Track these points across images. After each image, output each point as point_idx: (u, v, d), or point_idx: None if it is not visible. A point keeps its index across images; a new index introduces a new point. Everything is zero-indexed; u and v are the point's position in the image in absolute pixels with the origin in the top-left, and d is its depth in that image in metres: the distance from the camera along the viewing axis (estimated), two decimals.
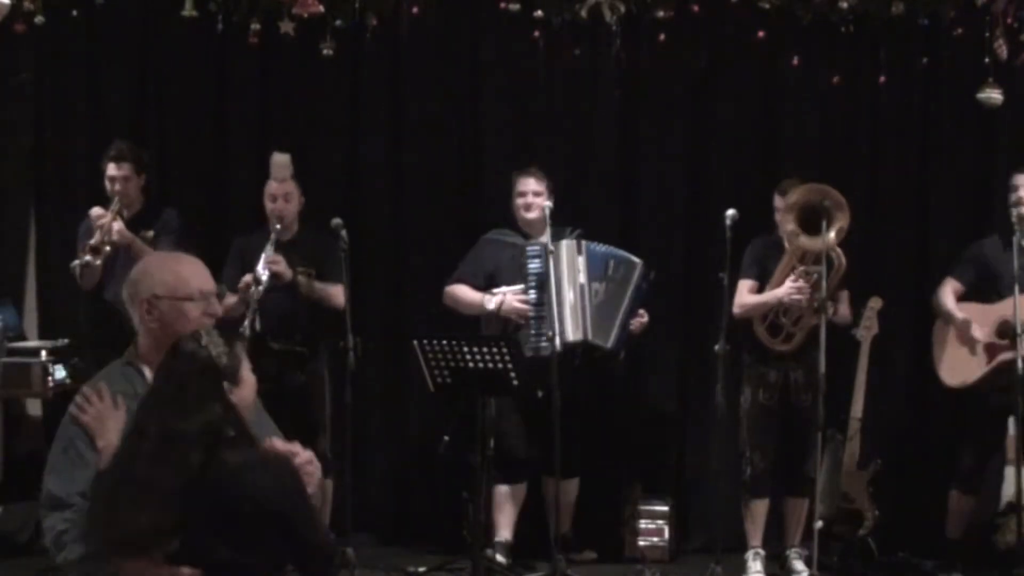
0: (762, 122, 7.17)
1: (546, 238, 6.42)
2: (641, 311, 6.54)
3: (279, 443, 3.36)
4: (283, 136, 7.09)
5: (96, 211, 6.41)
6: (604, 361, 6.56)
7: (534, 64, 7.10)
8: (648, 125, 7.21)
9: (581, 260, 6.46)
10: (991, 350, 6.28)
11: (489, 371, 5.91)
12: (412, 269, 7.23)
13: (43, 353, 6.71)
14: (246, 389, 3.17)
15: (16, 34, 6.84)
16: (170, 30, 7.10)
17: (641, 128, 7.22)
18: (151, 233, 6.52)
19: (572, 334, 6.37)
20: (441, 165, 7.27)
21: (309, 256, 6.49)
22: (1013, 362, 6.08)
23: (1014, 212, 6.24)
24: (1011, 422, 6.17)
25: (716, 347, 6.18)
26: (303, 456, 3.32)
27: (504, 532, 6.52)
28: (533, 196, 6.52)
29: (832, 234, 6.08)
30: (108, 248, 6.33)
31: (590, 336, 6.39)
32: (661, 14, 6.75)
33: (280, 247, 6.39)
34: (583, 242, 6.50)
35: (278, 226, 6.44)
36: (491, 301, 6.44)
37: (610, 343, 6.43)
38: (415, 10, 6.97)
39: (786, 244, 6.28)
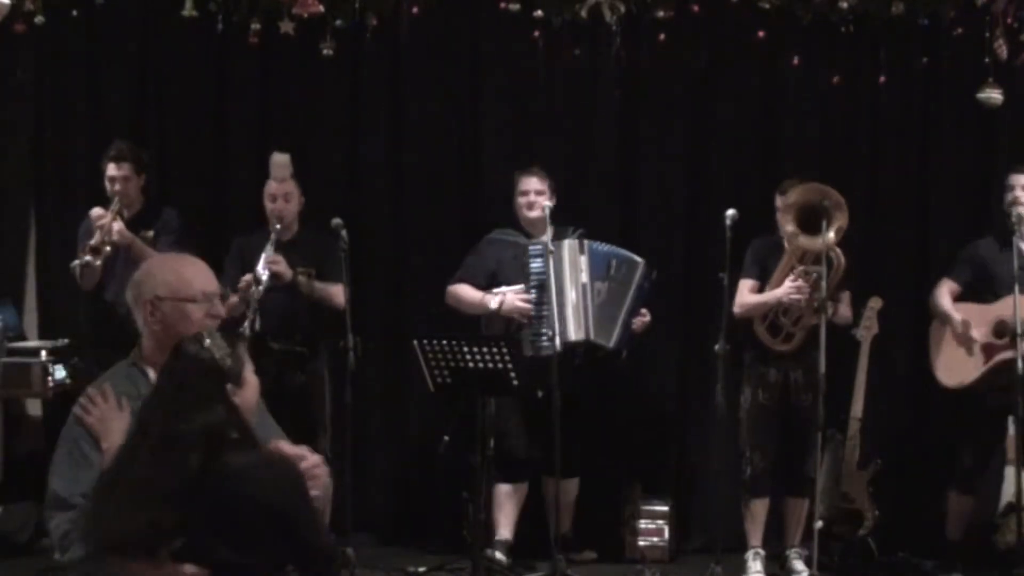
0: (762, 122, 7.17)
1: (547, 238, 6.42)
2: (643, 310, 6.54)
3: (287, 447, 3.36)
4: (283, 136, 7.10)
5: (96, 211, 6.41)
6: (606, 361, 6.56)
7: (534, 64, 7.10)
8: (648, 125, 7.21)
9: (583, 259, 6.46)
10: (988, 350, 6.28)
11: (489, 371, 5.92)
12: (412, 269, 7.23)
13: (43, 353, 6.71)
14: (249, 391, 3.17)
15: (16, 34, 6.84)
16: (170, 30, 7.10)
17: (641, 128, 7.22)
18: (151, 233, 6.52)
19: (574, 333, 6.37)
20: (441, 165, 7.27)
21: (309, 256, 6.49)
22: (1011, 362, 6.10)
23: (1015, 211, 6.25)
24: (1010, 422, 6.17)
25: (716, 347, 6.18)
26: (311, 460, 3.32)
27: (504, 531, 6.52)
28: (535, 195, 6.53)
29: (831, 234, 6.08)
30: (108, 248, 6.33)
31: (592, 336, 6.40)
32: (661, 14, 6.75)
33: (280, 247, 6.39)
34: (585, 241, 6.51)
35: (278, 226, 6.44)
36: (493, 300, 6.44)
37: (612, 342, 6.44)
38: (415, 10, 6.97)
39: (786, 244, 6.29)
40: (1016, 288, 6.00)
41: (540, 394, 6.15)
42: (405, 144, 7.27)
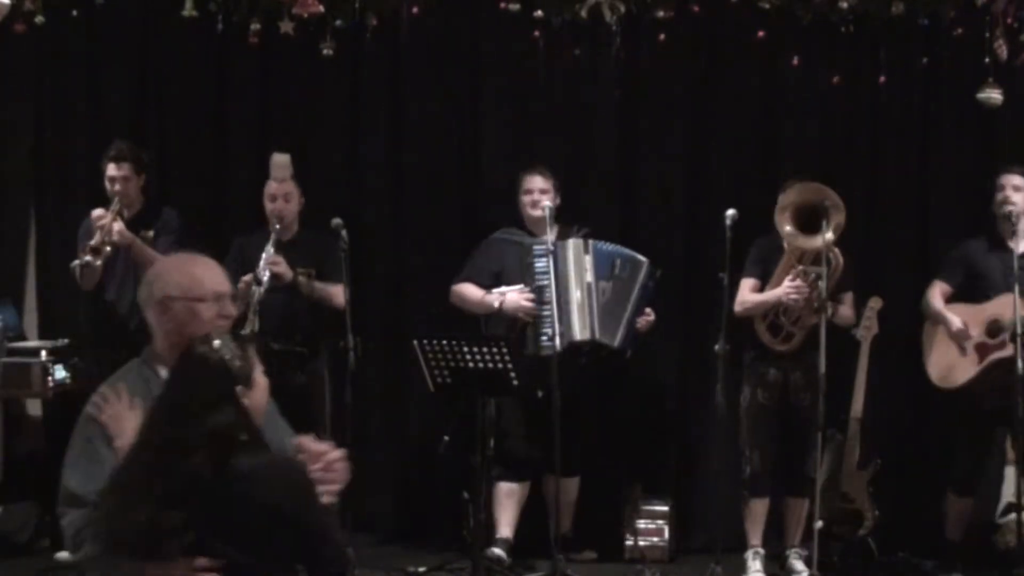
0: (762, 122, 7.17)
1: (550, 237, 6.42)
2: (648, 310, 6.54)
3: (310, 442, 3.36)
4: (283, 136, 7.10)
5: (97, 212, 6.41)
6: (611, 360, 6.56)
7: (534, 64, 7.10)
8: (648, 125, 7.21)
9: (588, 259, 6.47)
10: (982, 350, 6.29)
11: (489, 371, 5.92)
12: (412, 269, 7.23)
13: (43, 353, 6.71)
14: (259, 393, 3.16)
15: (16, 34, 6.83)
16: (170, 30, 7.10)
17: (641, 128, 7.22)
18: (151, 233, 6.53)
19: (579, 333, 6.37)
20: (441, 165, 7.27)
21: (309, 256, 6.49)
22: (1005, 361, 6.12)
23: (1011, 211, 6.26)
24: (1012, 422, 6.17)
25: (716, 347, 6.18)
26: (334, 454, 3.32)
27: (505, 530, 6.52)
28: (539, 194, 6.53)
29: (830, 234, 6.08)
30: (108, 248, 6.33)
31: (597, 335, 6.40)
32: (661, 14, 6.74)
33: (280, 247, 6.39)
34: (590, 241, 6.51)
35: (278, 226, 6.44)
36: (495, 300, 6.44)
37: (617, 342, 6.44)
38: (415, 10, 6.97)
39: (785, 245, 6.29)
40: (1016, 289, 6.00)
41: (540, 394, 6.15)
42: (405, 144, 7.27)
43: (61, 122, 7.37)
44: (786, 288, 6.24)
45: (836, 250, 6.20)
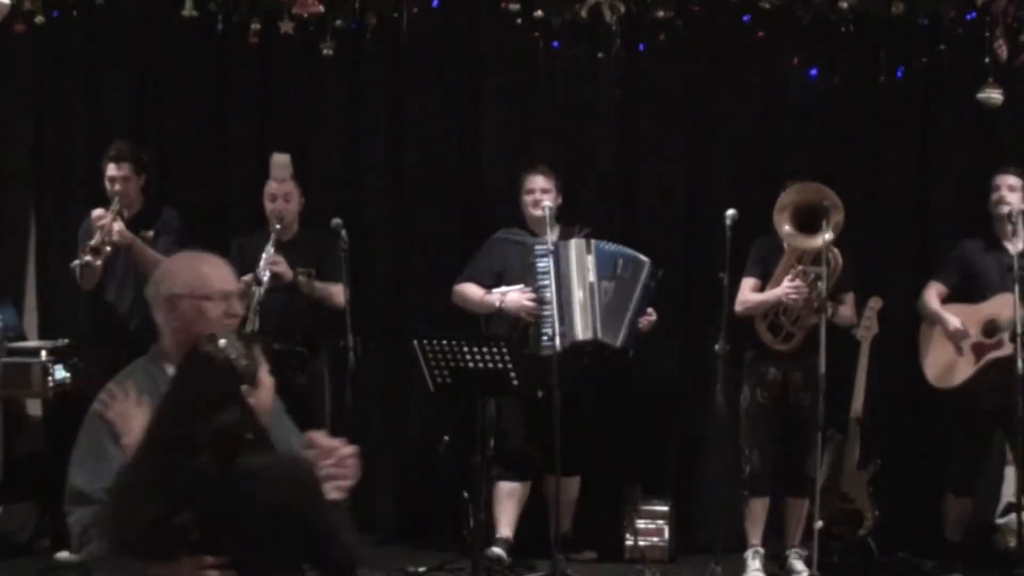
0: (762, 122, 7.17)
1: (552, 236, 6.42)
2: (650, 309, 6.54)
3: (321, 437, 3.35)
4: (283, 136, 7.10)
5: (97, 212, 6.41)
6: (613, 360, 6.56)
7: (534, 64, 7.10)
8: (648, 125, 7.21)
9: (590, 259, 6.47)
10: (978, 350, 6.29)
11: (489, 371, 5.92)
12: (412, 269, 7.23)
13: (43, 353, 6.70)
14: (264, 392, 3.15)
15: (16, 34, 6.83)
16: (170, 30, 7.10)
17: (641, 128, 7.22)
18: (151, 233, 6.53)
19: (582, 333, 6.38)
20: (441, 165, 7.27)
21: (309, 256, 6.49)
22: (1002, 361, 6.15)
23: (1007, 210, 6.27)
24: (1010, 422, 6.17)
25: (716, 347, 6.18)
26: (345, 450, 3.31)
27: (505, 529, 6.52)
28: (541, 193, 6.53)
29: (829, 234, 6.08)
30: (108, 248, 6.33)
31: (600, 335, 6.40)
32: (661, 14, 6.74)
33: (280, 247, 6.39)
34: (592, 241, 6.51)
35: (278, 226, 6.44)
36: (497, 299, 6.44)
37: (619, 342, 6.44)
38: (415, 10, 6.97)
39: (785, 245, 6.29)
40: (1016, 289, 6.00)
41: (540, 394, 6.15)
42: (405, 144, 7.27)
43: (61, 122, 7.37)
44: (786, 288, 6.25)
45: (835, 250, 6.20)
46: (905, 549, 6.68)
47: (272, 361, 3.22)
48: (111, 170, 6.55)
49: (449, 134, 7.28)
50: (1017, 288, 6.01)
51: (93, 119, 7.32)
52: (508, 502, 6.53)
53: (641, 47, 7.04)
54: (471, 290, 6.56)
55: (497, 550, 6.42)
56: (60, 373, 6.70)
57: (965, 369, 6.31)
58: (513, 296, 6.41)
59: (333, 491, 3.22)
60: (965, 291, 6.41)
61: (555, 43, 7.04)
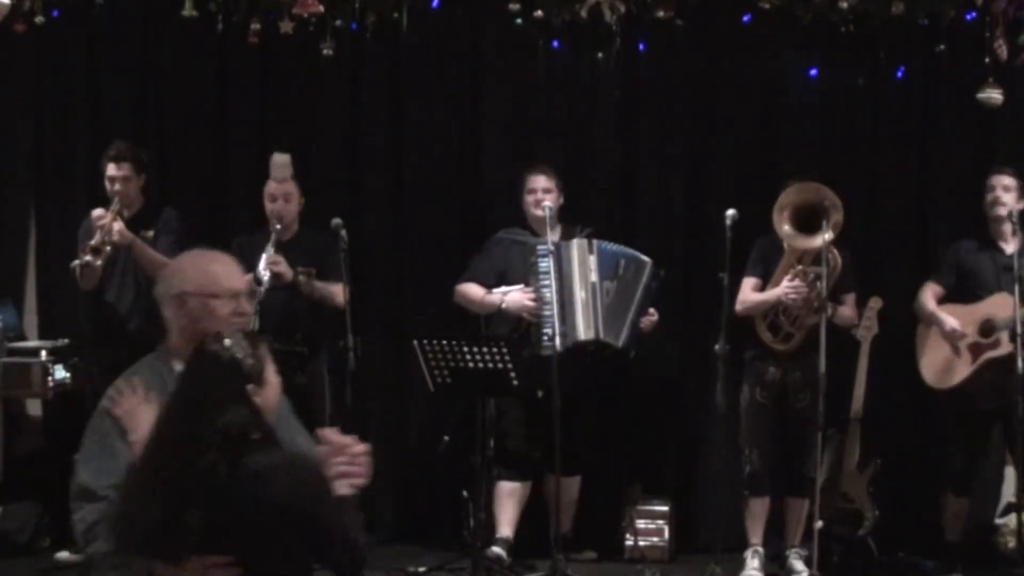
0: (762, 122, 7.17)
1: (551, 236, 6.42)
2: (651, 310, 6.55)
3: (333, 434, 3.35)
4: (283, 136, 7.10)
5: (97, 212, 6.41)
6: (615, 360, 6.56)
7: (534, 64, 7.10)
8: (648, 125, 7.22)
9: (592, 259, 6.47)
10: (975, 350, 6.30)
11: (489, 371, 5.92)
12: (412, 269, 7.23)
13: (43, 353, 6.70)
14: (270, 391, 3.15)
15: (16, 34, 6.83)
16: (170, 30, 7.10)
17: (641, 128, 7.22)
18: (151, 233, 6.53)
19: (584, 333, 6.38)
20: (441, 165, 7.27)
21: (309, 256, 6.49)
22: (999, 360, 6.17)
23: (1002, 211, 6.28)
24: (1010, 421, 6.17)
25: (716, 347, 6.18)
26: (358, 448, 3.31)
27: (505, 529, 6.52)
28: (543, 193, 6.54)
29: (829, 234, 6.09)
30: (108, 248, 6.33)
31: (601, 335, 6.40)
32: (661, 14, 6.74)
33: (280, 247, 6.39)
34: (594, 241, 6.52)
35: (278, 226, 6.44)
36: (498, 298, 6.44)
37: (621, 342, 6.44)
38: (415, 10, 6.96)
39: (785, 245, 6.30)
40: (1016, 290, 6.01)
41: (540, 394, 6.15)
42: (405, 144, 7.27)
43: (61, 122, 7.37)
44: (785, 288, 6.25)
45: (835, 251, 6.20)
46: (905, 549, 6.68)
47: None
48: (111, 170, 6.55)
49: (449, 134, 7.28)
50: (1017, 288, 6.02)
51: (93, 119, 7.31)
52: (508, 502, 6.53)
53: (641, 47, 7.04)
54: (473, 290, 6.56)
55: (497, 550, 6.42)
56: (60, 373, 6.71)
57: (962, 369, 6.32)
58: (515, 296, 6.41)
59: (344, 488, 3.21)
60: (961, 291, 6.42)
61: (555, 43, 7.05)
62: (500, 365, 5.90)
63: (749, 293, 6.39)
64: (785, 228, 6.22)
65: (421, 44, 7.13)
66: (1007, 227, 6.31)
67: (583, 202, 7.05)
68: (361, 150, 7.32)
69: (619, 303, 6.47)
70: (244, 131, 7.34)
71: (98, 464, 3.31)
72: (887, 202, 7.10)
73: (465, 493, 6.32)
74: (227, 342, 3.09)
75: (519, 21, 6.78)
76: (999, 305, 6.20)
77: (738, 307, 6.34)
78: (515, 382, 5.94)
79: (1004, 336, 6.18)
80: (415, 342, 6.03)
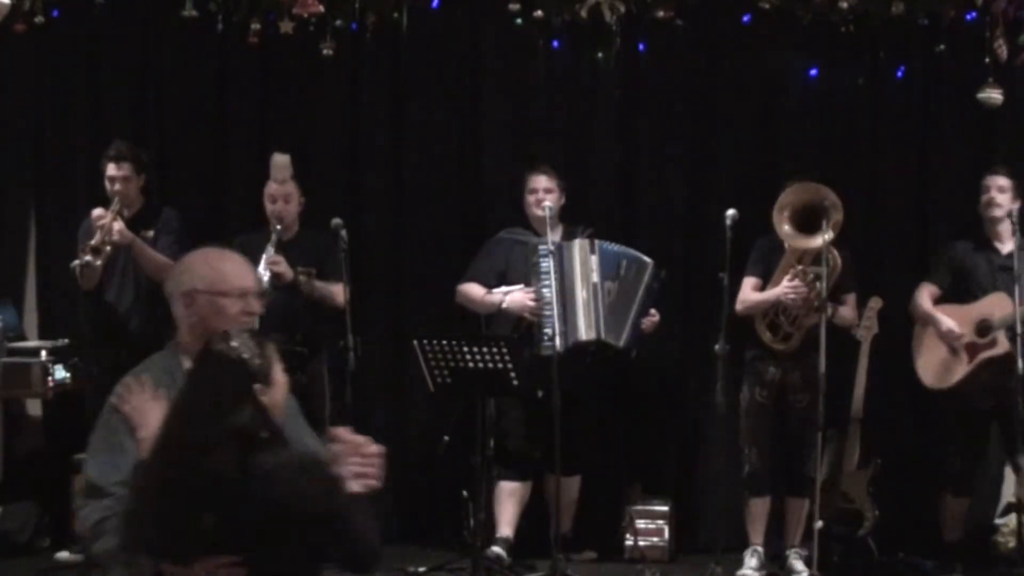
0: (762, 122, 7.17)
1: (551, 236, 6.42)
2: (652, 310, 6.55)
3: (347, 433, 3.34)
4: (283, 136, 7.09)
5: (97, 212, 6.41)
6: (615, 360, 6.56)
7: (534, 64, 7.10)
8: (648, 125, 7.22)
9: (594, 259, 6.48)
10: (971, 350, 6.31)
11: (489, 371, 5.92)
12: (412, 269, 7.23)
13: (43, 353, 6.70)
14: (278, 390, 3.15)
15: (16, 34, 6.83)
16: (170, 30, 7.10)
17: (641, 128, 7.22)
18: (151, 233, 6.53)
19: (585, 333, 6.38)
20: (441, 165, 7.27)
21: (309, 256, 6.49)
22: (995, 360, 6.18)
23: (998, 212, 6.29)
24: (1009, 421, 6.17)
25: (716, 347, 6.19)
26: (372, 448, 3.31)
27: (505, 529, 6.52)
28: (544, 193, 6.54)
29: (829, 234, 6.09)
30: (108, 248, 6.32)
31: (603, 335, 6.40)
32: (661, 14, 6.74)
33: (280, 247, 6.39)
34: (596, 241, 6.52)
35: (278, 227, 6.44)
36: (498, 298, 6.45)
37: (622, 342, 6.44)
38: (415, 10, 6.96)
39: (786, 245, 6.30)
40: (1017, 289, 6.02)
41: (540, 394, 6.15)
42: (405, 144, 7.26)
43: (61, 122, 7.37)
44: (784, 288, 6.26)
45: (835, 251, 6.21)
46: (905, 549, 6.68)
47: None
48: (111, 170, 6.55)
49: (449, 134, 7.28)
50: (1017, 288, 6.03)
51: (93, 119, 7.31)
52: (509, 502, 6.53)
53: (641, 47, 7.04)
54: (474, 290, 6.56)
55: (497, 549, 6.42)
56: (60, 373, 6.71)
57: (959, 369, 6.33)
58: (516, 296, 6.41)
59: (357, 486, 3.20)
60: (957, 292, 6.43)
61: (555, 43, 7.05)
62: (500, 365, 5.90)
63: (749, 293, 6.40)
64: (785, 228, 6.22)
65: (421, 44, 7.13)
66: (1003, 227, 6.34)
67: (583, 202, 7.04)
68: (361, 150, 7.32)
69: (620, 303, 6.47)
70: (244, 131, 7.34)
71: (106, 460, 3.31)
72: (887, 202, 7.10)
73: (465, 493, 6.32)
74: (234, 342, 3.09)
75: (519, 21, 6.78)
76: (995, 305, 6.22)
77: (738, 307, 6.35)
78: (515, 382, 5.94)
79: (1001, 336, 6.19)
80: (415, 342, 6.03)
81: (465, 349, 5.92)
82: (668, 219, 7.17)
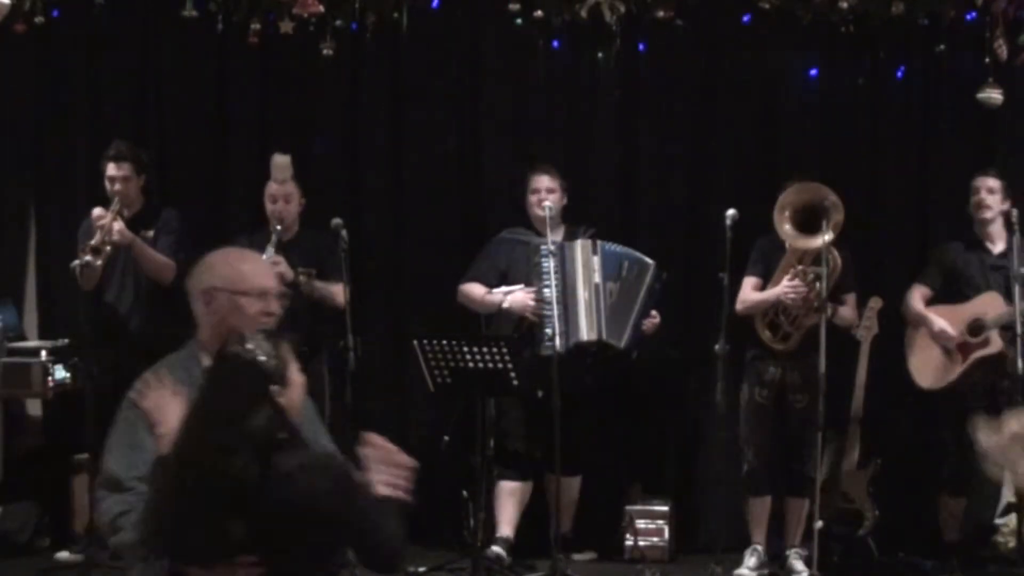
0: (762, 122, 7.17)
1: (551, 236, 6.42)
2: (653, 312, 6.55)
3: (379, 440, 3.34)
4: (283, 136, 7.10)
5: (97, 211, 6.41)
6: (616, 361, 6.56)
7: (534, 64, 7.10)
8: (648, 125, 7.22)
9: (596, 260, 6.48)
10: (964, 349, 6.32)
11: (489, 371, 5.93)
12: (412, 269, 7.23)
13: (43, 353, 6.70)
14: (295, 391, 3.15)
15: (16, 34, 6.83)
16: (170, 30, 7.10)
17: (641, 128, 7.22)
18: (151, 233, 6.53)
19: (586, 333, 6.38)
20: (441, 165, 7.27)
21: (309, 256, 6.49)
22: (988, 359, 6.21)
23: (987, 214, 6.33)
24: None
25: (716, 347, 6.19)
26: (404, 459, 3.33)
27: (505, 528, 6.51)
28: (546, 193, 6.54)
29: (829, 234, 6.09)
30: (109, 248, 6.32)
31: (604, 336, 6.40)
32: (661, 14, 6.74)
33: (280, 247, 6.39)
34: (598, 242, 6.52)
35: (279, 227, 6.44)
36: (499, 297, 6.45)
37: (624, 343, 6.44)
38: (415, 10, 6.96)
39: (787, 245, 6.30)
40: (1017, 289, 6.04)
41: (540, 394, 6.15)
42: (405, 144, 7.27)
43: (61, 122, 7.37)
44: (784, 288, 6.26)
45: (835, 251, 6.21)
46: (905, 549, 6.68)
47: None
48: (111, 170, 6.55)
49: (449, 134, 7.28)
50: (1018, 289, 6.04)
51: (93, 119, 7.31)
52: (509, 501, 6.53)
53: (641, 47, 7.05)
54: (475, 289, 6.56)
55: (497, 549, 6.42)
56: (60, 373, 6.70)
57: (952, 369, 6.34)
58: (517, 296, 6.41)
59: (383, 488, 3.21)
60: (949, 293, 6.45)
61: (555, 43, 7.05)
62: (500, 365, 5.90)
63: (749, 292, 6.40)
64: (786, 228, 6.23)
65: (421, 44, 7.13)
66: (994, 227, 6.39)
67: (583, 202, 7.04)
68: (361, 150, 7.32)
69: (622, 304, 6.47)
70: (244, 131, 7.34)
71: (125, 455, 3.32)
72: (887, 202, 7.10)
73: (465, 493, 6.32)
74: (249, 344, 3.08)
75: (519, 21, 6.78)
76: (988, 304, 6.25)
77: (738, 306, 6.35)
78: (515, 382, 5.94)
79: (994, 335, 6.22)
80: (415, 342, 6.03)
81: (465, 349, 5.92)
82: (668, 219, 7.17)
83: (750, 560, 6.42)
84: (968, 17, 6.67)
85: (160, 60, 7.32)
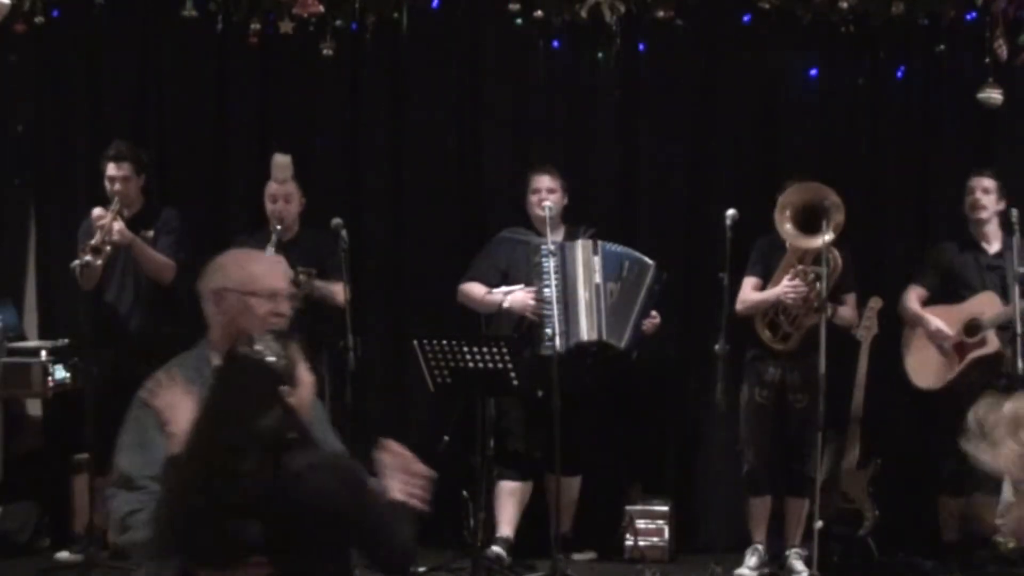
0: (762, 122, 7.17)
1: (551, 236, 6.42)
2: (654, 312, 6.55)
3: (396, 446, 3.34)
4: (283, 136, 7.10)
5: (97, 211, 6.41)
6: (616, 361, 6.56)
7: (534, 64, 7.10)
8: (648, 125, 7.22)
9: (597, 260, 6.47)
10: (960, 349, 6.33)
11: (489, 371, 5.92)
12: (412, 269, 7.23)
13: (43, 353, 6.70)
14: (304, 390, 3.15)
15: (16, 34, 6.83)
16: (170, 30, 7.10)
17: (641, 128, 7.22)
18: (151, 233, 6.53)
19: (587, 333, 6.38)
20: (441, 165, 7.27)
21: (309, 256, 6.49)
22: (984, 359, 6.22)
23: (982, 214, 6.34)
24: None
25: (716, 347, 6.19)
26: (420, 468, 3.32)
27: (505, 528, 6.51)
28: (547, 193, 6.54)
29: (830, 234, 6.09)
30: (108, 248, 6.32)
31: (605, 336, 6.40)
32: (661, 14, 6.74)
33: (280, 247, 6.38)
34: (599, 242, 6.52)
35: (279, 227, 6.44)
36: (499, 297, 6.44)
37: (624, 343, 6.44)
38: (415, 10, 6.96)
39: (787, 244, 6.30)
40: (1017, 289, 6.04)
41: (540, 394, 6.15)
42: (405, 144, 7.27)
43: (61, 122, 7.37)
44: (784, 287, 6.26)
45: (835, 251, 6.21)
46: (905, 549, 6.68)
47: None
48: (111, 170, 6.55)
49: (449, 134, 7.28)
50: (1017, 288, 6.05)
51: (93, 119, 7.32)
52: (509, 501, 6.53)
53: (641, 47, 7.05)
54: (475, 289, 6.56)
55: (497, 549, 6.42)
56: (60, 373, 6.71)
57: (949, 369, 6.35)
58: (517, 295, 6.41)
59: (398, 493, 3.21)
60: (945, 293, 6.46)
61: (555, 43, 7.05)
62: (500, 365, 5.90)
63: (749, 292, 6.41)
64: (787, 227, 6.23)
65: (421, 44, 7.13)
66: (989, 227, 6.41)
67: (583, 202, 7.04)
68: (361, 150, 7.32)
69: (622, 304, 6.47)
70: (244, 131, 7.34)
71: (136, 453, 3.34)
72: (887, 202, 7.10)
73: (465, 493, 6.32)
74: (257, 345, 3.09)
75: (519, 21, 6.78)
76: (985, 304, 6.27)
77: (738, 306, 6.36)
78: (515, 382, 5.94)
79: (991, 335, 6.23)
80: (415, 342, 6.03)
81: (465, 349, 5.92)
82: (668, 219, 7.17)
83: (750, 560, 6.43)
84: (968, 17, 6.67)
85: (160, 60, 7.32)
